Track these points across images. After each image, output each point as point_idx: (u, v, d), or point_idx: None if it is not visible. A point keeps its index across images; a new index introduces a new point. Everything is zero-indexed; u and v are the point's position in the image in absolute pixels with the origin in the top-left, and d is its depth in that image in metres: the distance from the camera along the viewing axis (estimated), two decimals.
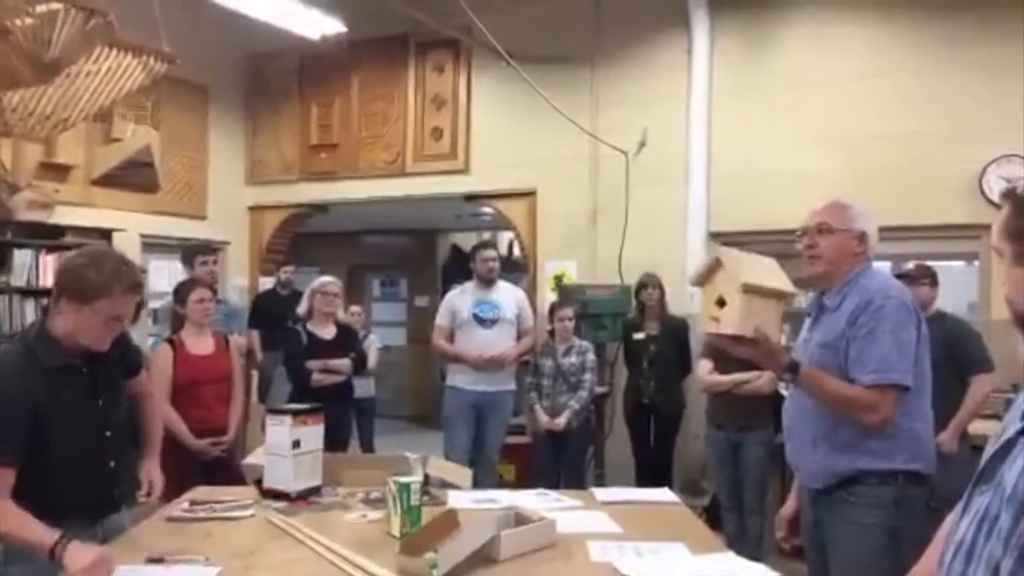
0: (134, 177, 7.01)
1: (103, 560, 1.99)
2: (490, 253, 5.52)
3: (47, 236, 6.30)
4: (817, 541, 2.53)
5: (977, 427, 4.36)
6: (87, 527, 2.29)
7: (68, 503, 2.23)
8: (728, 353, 4.51)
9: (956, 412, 4.21)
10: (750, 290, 2.33)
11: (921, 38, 5.80)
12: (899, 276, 4.14)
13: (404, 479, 2.34)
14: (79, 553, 1.99)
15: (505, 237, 10.01)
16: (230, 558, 2.08)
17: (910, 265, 4.54)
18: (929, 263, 4.68)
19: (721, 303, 2.38)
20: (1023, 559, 0.98)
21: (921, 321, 2.45)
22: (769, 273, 2.48)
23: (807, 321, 2.64)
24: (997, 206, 4.68)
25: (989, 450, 1.12)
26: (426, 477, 2.71)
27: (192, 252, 5.71)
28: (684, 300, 6.10)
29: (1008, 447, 1.06)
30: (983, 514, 1.05)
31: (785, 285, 2.47)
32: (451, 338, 5.43)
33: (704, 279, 2.46)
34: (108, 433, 2.39)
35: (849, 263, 2.50)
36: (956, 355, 4.19)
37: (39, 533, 2.05)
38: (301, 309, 5.17)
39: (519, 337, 5.46)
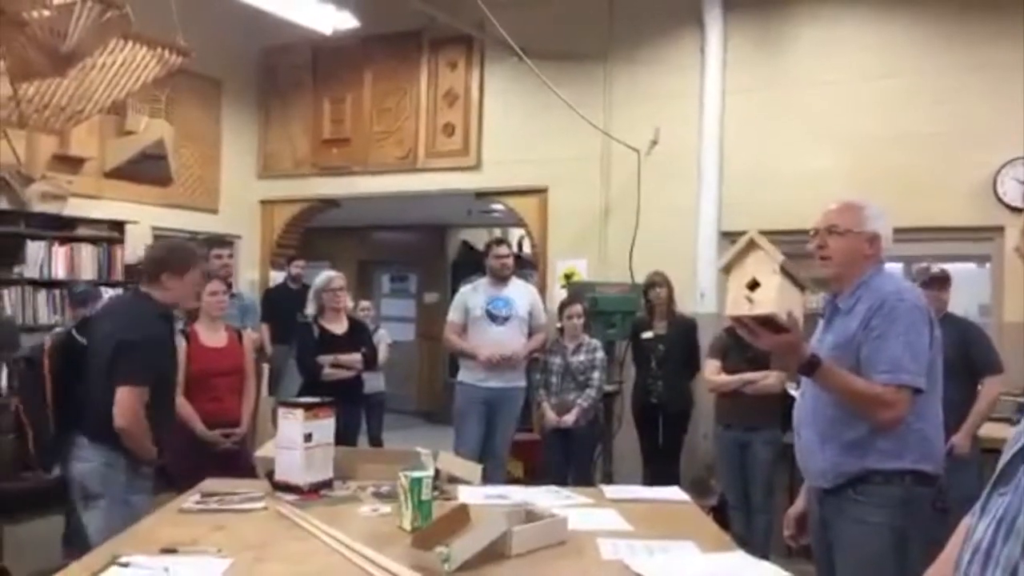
0: (147, 170, 7.05)
1: None
2: (504, 250, 5.52)
3: (60, 228, 6.34)
4: (824, 540, 2.53)
5: (987, 430, 4.35)
6: None
7: None
8: (738, 346, 4.51)
9: (966, 414, 4.20)
10: (786, 271, 2.28)
11: (935, 39, 5.78)
12: (926, 283, 4.12)
13: (416, 473, 2.35)
14: None
15: (515, 234, 10.01)
16: (242, 550, 2.10)
17: (936, 269, 4.49)
18: (943, 265, 4.65)
19: (753, 286, 2.31)
20: None
21: (934, 324, 2.45)
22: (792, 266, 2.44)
23: (820, 323, 2.63)
24: (1011, 208, 4.64)
25: (1008, 452, 1.11)
26: (436, 472, 2.72)
27: (207, 245, 5.74)
28: (694, 299, 6.11)
29: None
30: (1001, 516, 1.05)
31: (806, 278, 2.43)
32: (463, 334, 5.44)
33: (736, 262, 2.38)
34: None
35: (860, 265, 2.49)
36: (967, 357, 4.18)
37: None
38: (310, 310, 5.18)
39: (531, 334, 5.47)
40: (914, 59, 5.83)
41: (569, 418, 5.24)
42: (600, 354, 5.39)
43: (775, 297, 2.26)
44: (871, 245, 2.49)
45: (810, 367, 2.35)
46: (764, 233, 2.38)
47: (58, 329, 3.81)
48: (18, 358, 3.60)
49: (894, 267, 4.99)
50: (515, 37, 5.85)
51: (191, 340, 4.24)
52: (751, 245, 2.35)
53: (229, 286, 4.82)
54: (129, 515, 2.90)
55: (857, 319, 2.43)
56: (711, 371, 4.93)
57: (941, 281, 4.39)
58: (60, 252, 6.28)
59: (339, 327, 5.11)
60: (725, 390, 4.85)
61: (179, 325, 4.69)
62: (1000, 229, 5.45)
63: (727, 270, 2.40)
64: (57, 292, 6.23)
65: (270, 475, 2.75)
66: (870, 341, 2.38)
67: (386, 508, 2.52)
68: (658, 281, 5.62)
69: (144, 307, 3.30)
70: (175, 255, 3.39)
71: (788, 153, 6.07)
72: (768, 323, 2.30)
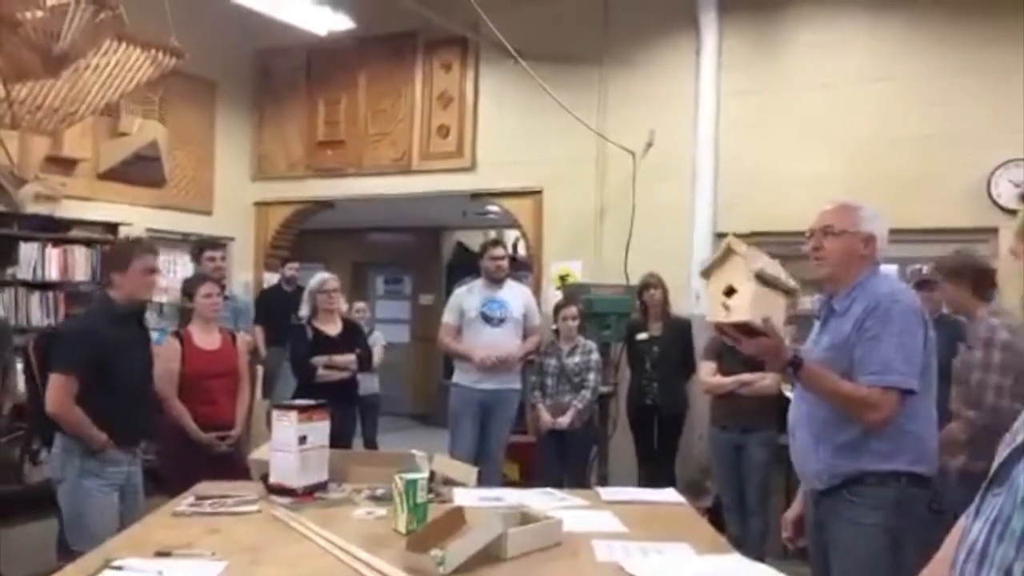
0: (140, 171, 7.03)
1: None
2: (499, 252, 5.51)
3: (53, 230, 6.31)
4: (820, 542, 2.53)
5: None
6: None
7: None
8: (733, 348, 4.53)
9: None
10: (762, 278, 2.29)
11: (929, 42, 5.79)
12: (918, 284, 4.14)
13: (411, 476, 2.34)
14: None
15: (510, 236, 10.01)
16: (237, 553, 2.09)
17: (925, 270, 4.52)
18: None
19: (730, 292, 2.33)
20: None
21: (929, 326, 2.45)
22: (776, 269, 2.46)
23: (816, 324, 2.64)
24: (1005, 210, 4.64)
25: (1002, 453, 1.11)
26: (431, 474, 2.71)
27: (200, 247, 5.73)
28: (689, 301, 6.11)
29: (1022, 450, 1.06)
30: (996, 516, 1.05)
31: (791, 283, 2.44)
32: (458, 336, 5.44)
33: (714, 268, 2.40)
34: None
35: (855, 266, 2.49)
36: None
37: None
38: (303, 311, 5.17)
39: (526, 336, 5.46)
40: (909, 62, 5.84)
41: (564, 420, 5.24)
42: (595, 356, 5.39)
43: (749, 304, 2.29)
44: (866, 246, 2.50)
45: (793, 369, 2.37)
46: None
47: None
48: (18, 347, 3.92)
49: (889, 268, 5.00)
50: (510, 39, 5.85)
51: (185, 342, 4.22)
52: (728, 251, 2.36)
53: (222, 288, 4.80)
54: (83, 499, 3.28)
55: (851, 320, 2.44)
56: (707, 373, 4.93)
57: (934, 283, 4.39)
58: (53, 254, 6.26)
59: (333, 328, 5.10)
60: (721, 392, 4.85)
61: (171, 326, 4.69)
62: (994, 231, 5.46)
63: (707, 275, 2.42)
64: (51, 294, 6.21)
65: (264, 478, 2.74)
66: (864, 342, 2.39)
67: (381, 511, 2.51)
68: (653, 283, 5.62)
69: (99, 306, 3.54)
70: (115, 253, 3.63)
71: (783, 155, 6.07)
72: (747, 329, 2.32)
